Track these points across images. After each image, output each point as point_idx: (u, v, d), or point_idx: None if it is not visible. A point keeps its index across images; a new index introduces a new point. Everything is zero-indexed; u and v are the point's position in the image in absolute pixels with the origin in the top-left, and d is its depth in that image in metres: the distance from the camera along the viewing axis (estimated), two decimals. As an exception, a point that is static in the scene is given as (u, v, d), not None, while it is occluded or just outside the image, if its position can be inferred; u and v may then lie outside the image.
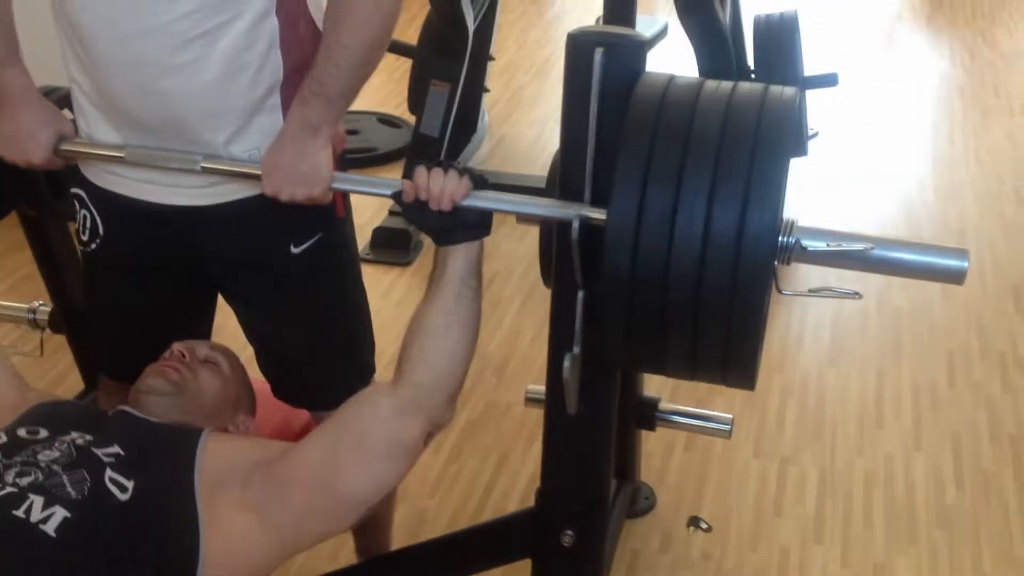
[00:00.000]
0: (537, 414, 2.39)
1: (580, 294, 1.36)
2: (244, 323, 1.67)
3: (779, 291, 1.31)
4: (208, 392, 1.53)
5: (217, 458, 1.38)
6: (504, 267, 3.19)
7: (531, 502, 1.61)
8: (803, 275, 1.50)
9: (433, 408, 1.38)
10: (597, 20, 3.84)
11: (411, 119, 3.71)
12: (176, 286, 1.64)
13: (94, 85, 1.46)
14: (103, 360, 1.80)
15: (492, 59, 3.77)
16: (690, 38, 3.08)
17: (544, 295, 3.11)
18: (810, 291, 1.41)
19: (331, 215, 1.57)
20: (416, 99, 3.46)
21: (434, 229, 1.40)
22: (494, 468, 2.41)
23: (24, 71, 1.52)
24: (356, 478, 1.37)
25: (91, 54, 1.42)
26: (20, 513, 1.22)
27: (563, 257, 1.39)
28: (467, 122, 3.64)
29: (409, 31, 3.95)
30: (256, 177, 1.44)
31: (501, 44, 3.86)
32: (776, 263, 1.25)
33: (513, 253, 3.22)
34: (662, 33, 3.65)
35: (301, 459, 1.37)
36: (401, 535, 2.03)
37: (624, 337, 1.29)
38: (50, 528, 1.22)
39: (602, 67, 1.29)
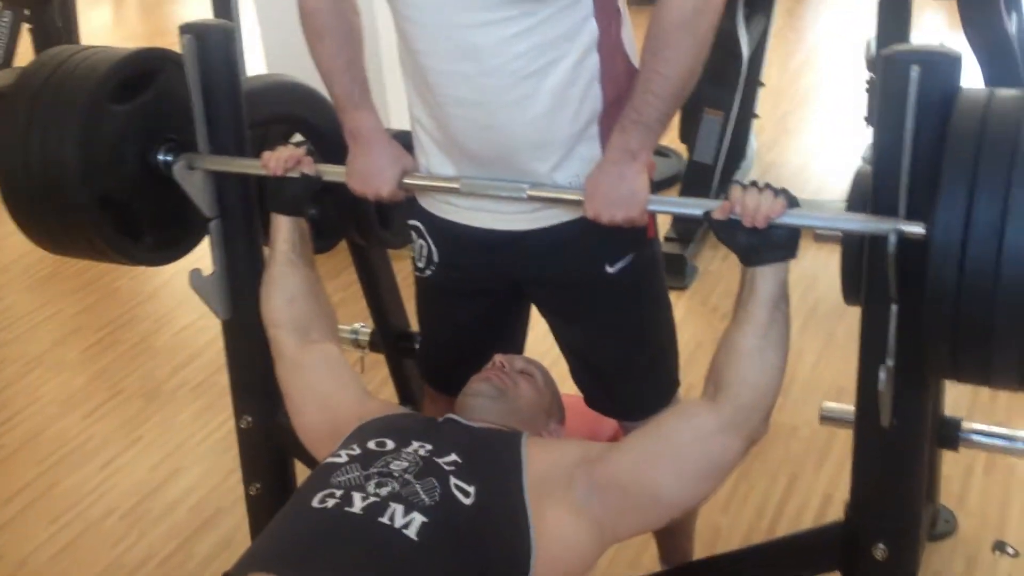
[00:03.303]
0: (826, 433, 2.38)
1: (894, 308, 1.38)
2: (560, 336, 1.78)
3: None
4: (525, 399, 1.64)
5: (540, 460, 1.47)
6: (782, 288, 3.18)
7: (825, 520, 1.59)
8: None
9: (753, 427, 1.43)
10: (868, 43, 3.79)
11: (680, 148, 3.79)
12: (498, 305, 1.78)
13: (435, 123, 1.60)
14: (430, 373, 1.95)
15: (762, 85, 3.79)
16: (974, 51, 3.00)
17: (824, 316, 3.09)
18: None
19: (643, 236, 1.66)
20: (688, 128, 3.53)
21: (744, 248, 1.43)
22: (785, 487, 2.42)
23: (375, 114, 1.67)
24: (674, 489, 1.43)
25: (435, 94, 1.55)
26: (386, 520, 1.34)
27: (875, 271, 1.42)
28: (737, 149, 3.69)
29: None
30: (578, 202, 1.53)
31: (765, 70, 3.87)
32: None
33: (791, 274, 3.21)
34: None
35: (620, 464, 1.44)
36: (698, 547, 2.08)
37: (948, 350, 1.31)
38: (412, 533, 1.33)
39: (918, 84, 1.32)
